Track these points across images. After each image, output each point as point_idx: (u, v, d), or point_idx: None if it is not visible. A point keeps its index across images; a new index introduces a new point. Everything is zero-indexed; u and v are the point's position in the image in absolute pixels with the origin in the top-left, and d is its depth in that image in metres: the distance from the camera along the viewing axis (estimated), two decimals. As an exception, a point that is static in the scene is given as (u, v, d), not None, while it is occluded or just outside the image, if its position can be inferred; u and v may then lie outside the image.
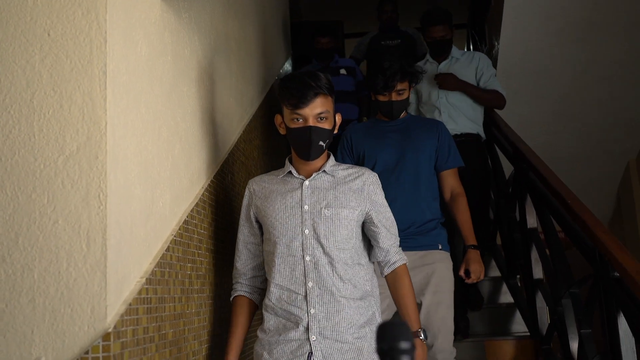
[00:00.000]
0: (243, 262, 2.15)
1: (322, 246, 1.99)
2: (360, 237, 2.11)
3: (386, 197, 2.21)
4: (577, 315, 2.71)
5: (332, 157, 2.14)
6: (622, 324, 2.23)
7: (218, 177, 2.37)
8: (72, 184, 1.44)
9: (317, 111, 1.98)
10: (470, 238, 2.67)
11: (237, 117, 2.82)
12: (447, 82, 3.56)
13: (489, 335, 3.47)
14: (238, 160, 2.75)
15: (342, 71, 4.50)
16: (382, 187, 2.20)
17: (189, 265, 1.97)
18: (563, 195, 2.68)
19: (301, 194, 2.04)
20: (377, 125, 2.79)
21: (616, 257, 2.18)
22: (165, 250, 1.75)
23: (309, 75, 2.00)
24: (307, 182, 2.05)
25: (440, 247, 2.64)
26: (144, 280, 1.59)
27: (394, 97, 2.68)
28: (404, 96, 2.71)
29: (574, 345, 2.74)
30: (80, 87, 1.47)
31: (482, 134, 3.65)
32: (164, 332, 1.72)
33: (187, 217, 1.96)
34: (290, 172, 2.09)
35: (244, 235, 2.15)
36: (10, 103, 1.47)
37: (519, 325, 3.58)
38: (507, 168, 3.71)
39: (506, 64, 4.20)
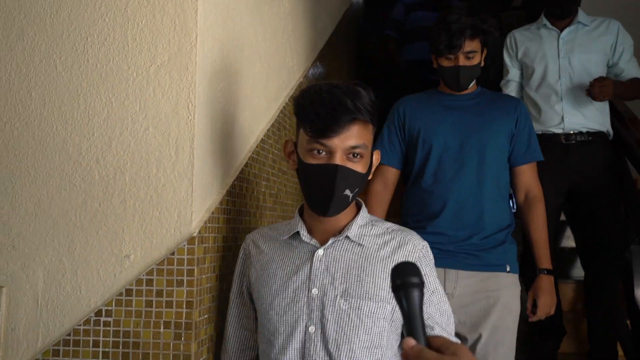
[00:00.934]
0: (233, 351, 1.56)
1: (329, 356, 1.37)
2: (394, 345, 1.42)
3: (442, 196, 1.98)
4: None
5: (363, 211, 1.48)
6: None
7: (292, 100, 2.39)
8: (163, 93, 1.49)
9: (351, 144, 1.36)
10: (545, 259, 2.13)
11: (311, 42, 2.82)
12: (606, 91, 2.59)
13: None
14: (311, 85, 2.76)
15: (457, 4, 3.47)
16: (439, 179, 1.98)
17: (264, 183, 2.03)
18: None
19: (310, 269, 1.42)
20: (438, 99, 2.19)
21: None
22: (244, 166, 1.81)
23: (346, 90, 1.37)
24: (320, 252, 1.42)
25: (508, 269, 2.06)
26: (224, 191, 1.66)
27: (462, 60, 2.08)
28: (475, 61, 2.10)
29: (639, 292, 2.72)
30: (173, -2, 1.50)
31: (611, 131, 2.82)
32: (240, 242, 1.80)
33: (263, 136, 2.01)
34: (297, 233, 1.47)
35: (234, 318, 1.56)
36: (105, 11, 1.52)
37: (580, 270, 3.55)
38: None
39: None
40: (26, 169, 1.52)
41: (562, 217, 3.97)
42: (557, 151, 2.71)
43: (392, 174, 2.22)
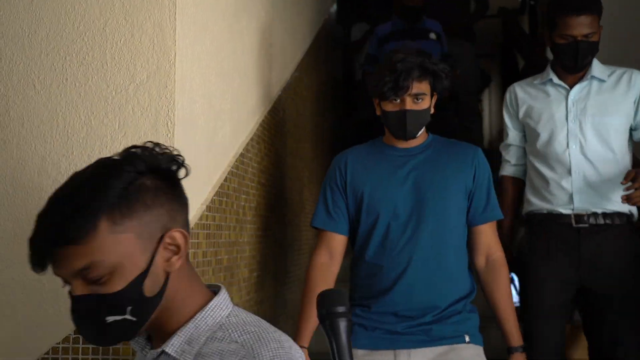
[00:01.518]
0: None
1: None
2: None
3: (394, 271, 1.83)
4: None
5: None
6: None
7: (272, 112, 2.42)
8: (142, 111, 1.51)
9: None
10: (517, 335, 1.92)
11: (290, 54, 2.84)
12: None
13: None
14: (289, 97, 2.79)
15: (432, 35, 3.73)
16: (387, 252, 1.84)
17: (243, 196, 2.05)
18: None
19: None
20: (384, 154, 1.95)
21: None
22: (224, 181, 1.83)
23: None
24: None
25: (467, 340, 1.85)
26: (204, 207, 1.68)
27: (409, 104, 1.85)
28: (424, 105, 1.87)
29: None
30: (151, 17, 1.52)
31: (636, 213, 2.23)
32: (219, 257, 1.82)
33: (243, 150, 2.03)
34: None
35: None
36: (84, 30, 1.53)
37: None
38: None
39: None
40: (4, 188, 1.53)
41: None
42: (566, 236, 2.18)
43: (338, 241, 1.95)
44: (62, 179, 1.50)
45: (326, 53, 4.11)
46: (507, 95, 2.36)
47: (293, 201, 2.87)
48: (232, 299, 1.87)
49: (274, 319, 2.49)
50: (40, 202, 1.49)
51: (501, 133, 2.53)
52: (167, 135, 1.50)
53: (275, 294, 2.51)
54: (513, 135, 2.36)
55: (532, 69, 3.29)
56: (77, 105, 1.52)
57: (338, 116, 4.83)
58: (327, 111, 4.30)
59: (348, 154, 2.00)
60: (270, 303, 2.42)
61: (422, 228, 1.85)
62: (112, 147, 1.51)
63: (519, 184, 2.37)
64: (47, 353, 1.48)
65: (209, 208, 1.71)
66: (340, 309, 0.84)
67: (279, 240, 2.58)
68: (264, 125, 2.30)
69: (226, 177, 1.85)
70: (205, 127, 1.71)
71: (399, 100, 1.86)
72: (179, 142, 1.53)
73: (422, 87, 1.86)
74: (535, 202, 2.25)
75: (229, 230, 1.90)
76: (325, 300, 0.86)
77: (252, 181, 2.16)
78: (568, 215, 2.18)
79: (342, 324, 0.83)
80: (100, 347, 1.47)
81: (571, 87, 2.23)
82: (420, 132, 1.92)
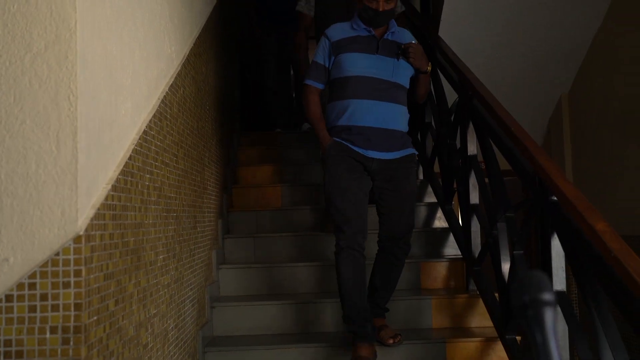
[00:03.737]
0: None
1: None
2: None
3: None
4: (511, 237, 2.93)
5: None
6: (556, 246, 2.44)
7: (172, 89, 2.35)
8: (40, 83, 1.42)
9: None
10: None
11: (188, 28, 2.77)
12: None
13: (424, 257, 3.69)
14: (189, 74, 2.72)
15: None
16: None
17: (147, 176, 1.99)
18: (507, 123, 2.83)
19: None
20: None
21: (555, 182, 2.36)
22: (128, 159, 1.77)
23: None
24: None
25: None
26: (109, 186, 1.61)
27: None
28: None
29: (506, 267, 2.97)
30: (47, -19, 1.42)
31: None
32: (126, 239, 1.76)
33: (146, 127, 1.96)
34: None
35: None
36: (-31, -6, 1.41)
37: (452, 249, 3.81)
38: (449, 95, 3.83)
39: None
40: None
41: (430, 190, 4.25)
42: None
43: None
44: (-50, 157, 1.39)
45: (227, 26, 4.04)
46: None
47: (195, 182, 2.82)
48: (139, 283, 1.82)
49: (180, 304, 2.44)
50: None
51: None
52: (70, 109, 1.42)
53: (180, 277, 2.46)
54: None
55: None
56: (-36, 77, 1.40)
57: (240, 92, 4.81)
58: (228, 87, 4.25)
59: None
60: (176, 286, 2.37)
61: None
62: (8, 123, 1.41)
63: None
64: None
65: (114, 188, 1.64)
66: (548, 296, 0.68)
67: (182, 222, 2.52)
68: (165, 102, 2.24)
69: (130, 156, 1.79)
70: (107, 101, 1.63)
71: None
72: (82, 118, 1.45)
73: None
74: None
75: (134, 211, 1.83)
76: (530, 284, 0.69)
77: (156, 160, 2.10)
78: None
79: (550, 315, 0.68)
80: (2, 338, 1.38)
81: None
82: None
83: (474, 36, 4.56)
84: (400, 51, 2.83)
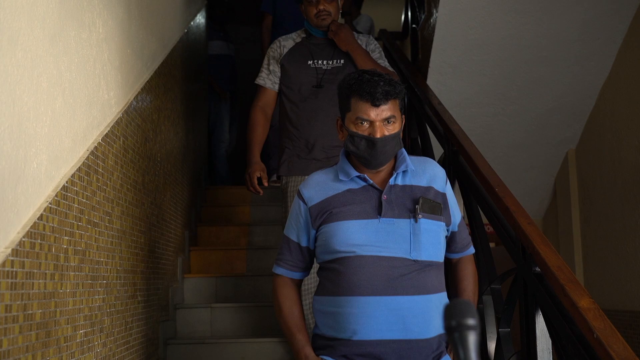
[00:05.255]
0: None
1: None
2: None
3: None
4: (496, 313, 2.87)
5: None
6: (540, 323, 2.39)
7: (107, 139, 2.34)
8: None
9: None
10: None
11: (135, 72, 2.79)
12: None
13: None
14: (133, 122, 2.72)
15: None
16: None
17: (66, 238, 1.95)
18: (490, 181, 2.82)
19: None
20: None
21: (538, 250, 2.32)
22: (38, 219, 1.74)
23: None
24: None
25: None
26: (9, 251, 1.57)
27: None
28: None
29: (492, 346, 2.90)
30: (-58, 21, 1.43)
31: None
32: (30, 312, 1.71)
33: (66, 182, 1.94)
34: None
35: None
36: None
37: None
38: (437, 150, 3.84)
39: (445, 35, 4.33)
40: None
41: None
42: None
43: None
44: None
45: (185, 70, 4.08)
46: None
47: (137, 244, 2.78)
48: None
49: (108, 384, 2.37)
50: None
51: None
52: (-42, 163, 1.40)
53: (111, 355, 2.39)
54: None
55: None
56: None
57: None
58: (191, 133, 4.25)
59: None
60: (102, 365, 2.31)
61: None
62: None
63: None
64: None
65: (15, 252, 1.60)
66: (471, 321, 0.89)
67: (115, 290, 2.47)
68: (97, 154, 2.22)
69: (41, 215, 1.76)
70: (12, 154, 1.61)
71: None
72: (-25, 172, 1.43)
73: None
74: None
75: (44, 278, 1.79)
76: (456, 310, 0.90)
77: (79, 220, 2.07)
78: None
79: (472, 338, 0.89)
80: None
81: None
82: None
83: (469, 89, 4.62)
84: (420, 206, 1.96)
